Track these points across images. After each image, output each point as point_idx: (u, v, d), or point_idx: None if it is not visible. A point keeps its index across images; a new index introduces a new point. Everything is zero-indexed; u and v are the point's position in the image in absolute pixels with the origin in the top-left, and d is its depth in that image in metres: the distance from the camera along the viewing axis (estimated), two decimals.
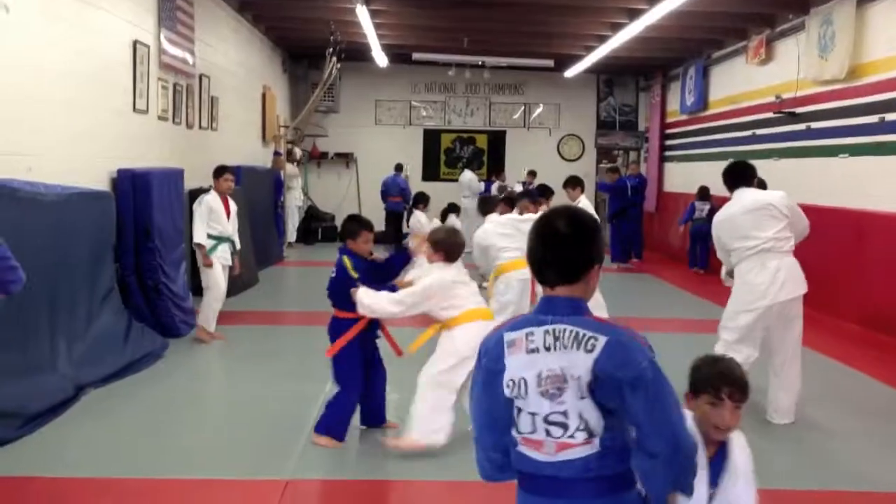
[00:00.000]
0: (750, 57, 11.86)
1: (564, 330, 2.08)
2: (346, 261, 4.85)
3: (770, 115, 11.21)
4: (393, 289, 4.83)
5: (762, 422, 5.37)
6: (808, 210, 5.74)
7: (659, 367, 2.07)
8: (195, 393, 6.27)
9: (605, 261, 8.91)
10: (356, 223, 5.00)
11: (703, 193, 12.67)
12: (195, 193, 8.02)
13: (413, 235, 11.73)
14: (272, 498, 4.16)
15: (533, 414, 2.12)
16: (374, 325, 4.97)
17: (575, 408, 2.07)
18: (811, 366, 6.05)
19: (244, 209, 9.92)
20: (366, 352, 4.97)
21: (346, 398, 4.88)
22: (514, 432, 2.19)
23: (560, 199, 8.59)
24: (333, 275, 4.92)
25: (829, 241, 8.54)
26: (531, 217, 6.58)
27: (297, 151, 16.07)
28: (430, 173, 18.05)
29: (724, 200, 5.82)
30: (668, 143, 16.25)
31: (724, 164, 5.75)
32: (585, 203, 8.68)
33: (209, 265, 7.38)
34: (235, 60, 12.01)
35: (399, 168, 16.17)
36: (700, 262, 12.82)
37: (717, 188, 8.59)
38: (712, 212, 10.77)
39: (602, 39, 13.03)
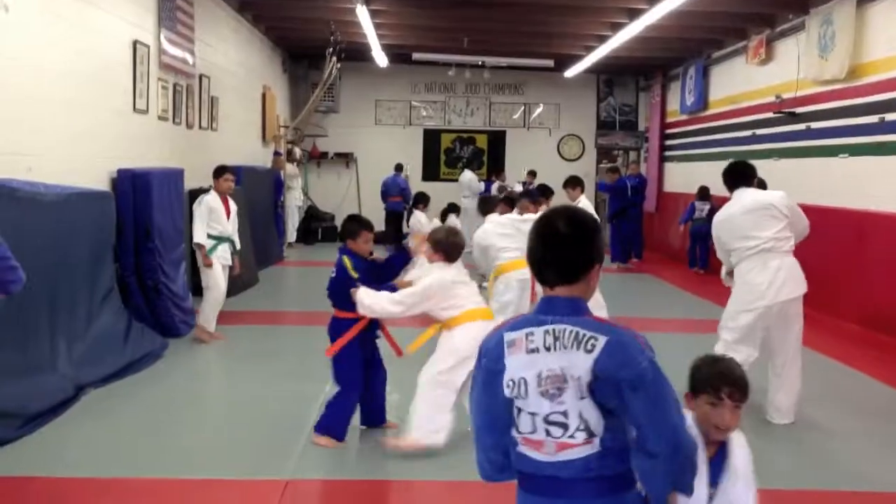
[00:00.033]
0: (750, 57, 11.86)
1: (564, 330, 2.08)
2: (346, 261, 4.86)
3: (770, 115, 11.21)
4: (393, 289, 4.83)
5: (762, 422, 5.37)
6: (809, 210, 5.74)
7: (659, 367, 2.07)
8: (195, 393, 6.27)
9: (605, 261, 8.91)
10: (356, 223, 5.00)
11: (703, 193, 12.67)
12: (195, 193, 8.01)
13: (413, 235, 11.76)
14: (272, 498, 4.16)
15: (533, 414, 2.12)
16: (374, 325, 4.97)
17: (575, 408, 2.07)
18: (811, 366, 6.05)
19: (244, 209, 9.92)
20: (366, 352, 4.96)
21: (345, 398, 4.88)
22: (514, 432, 2.19)
23: (560, 199, 8.58)
24: (333, 275, 4.92)
25: (830, 241, 8.54)
26: (531, 217, 6.58)
27: (297, 151, 16.07)
28: (429, 173, 18.05)
29: (724, 200, 5.82)
30: (668, 143, 16.25)
31: (724, 165, 5.75)
32: (585, 203, 8.68)
33: (209, 265, 7.38)
34: (235, 60, 12.01)
35: (399, 168, 16.18)
36: (700, 262, 12.83)
37: (718, 188, 8.59)
38: (712, 212, 10.77)
39: (602, 39, 13.03)
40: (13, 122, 5.67)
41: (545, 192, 8.53)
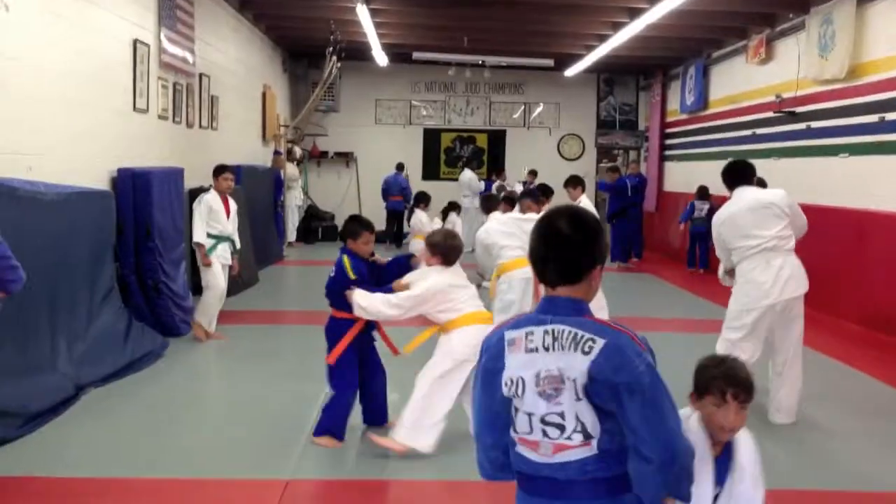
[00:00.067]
0: (750, 56, 11.86)
1: (563, 331, 2.07)
2: (346, 261, 4.85)
3: (770, 114, 11.21)
4: (389, 290, 4.81)
5: (763, 422, 5.36)
6: (809, 210, 5.74)
7: (657, 372, 2.05)
8: (195, 392, 6.27)
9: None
10: (357, 224, 4.99)
11: (703, 193, 12.66)
12: (195, 193, 8.01)
13: (414, 234, 11.78)
14: (272, 498, 4.15)
15: (529, 414, 2.11)
16: (371, 325, 4.96)
17: (572, 409, 2.06)
18: (811, 366, 6.04)
19: (244, 208, 9.92)
20: (360, 352, 4.96)
21: (340, 399, 4.87)
22: (511, 432, 2.19)
23: (560, 198, 8.57)
24: (332, 275, 4.92)
25: (830, 240, 8.54)
26: (534, 216, 6.57)
27: (297, 151, 16.07)
28: (430, 173, 18.04)
29: (724, 200, 5.81)
30: (668, 142, 16.25)
31: (723, 164, 5.74)
32: (586, 202, 8.68)
33: (208, 264, 7.38)
34: (235, 59, 12.00)
35: (400, 167, 16.18)
36: (700, 261, 12.82)
37: (717, 188, 8.58)
38: (711, 211, 10.77)
39: (602, 39, 13.02)
40: (13, 122, 5.66)
41: (545, 191, 8.52)
